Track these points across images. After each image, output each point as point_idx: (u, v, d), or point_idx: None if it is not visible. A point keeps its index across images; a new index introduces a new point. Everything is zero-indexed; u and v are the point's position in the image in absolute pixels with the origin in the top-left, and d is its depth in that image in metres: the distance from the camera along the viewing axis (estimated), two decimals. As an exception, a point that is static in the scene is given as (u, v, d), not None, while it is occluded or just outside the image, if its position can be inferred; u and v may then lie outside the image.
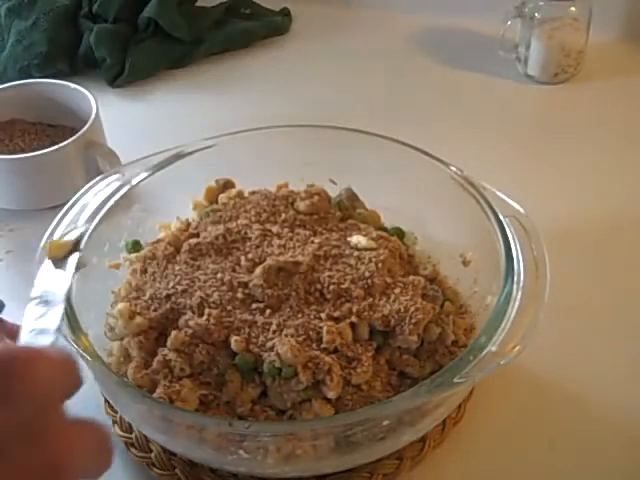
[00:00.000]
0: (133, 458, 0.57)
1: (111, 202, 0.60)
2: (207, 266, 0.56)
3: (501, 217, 0.56)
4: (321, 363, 0.50)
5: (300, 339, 0.51)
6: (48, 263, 0.52)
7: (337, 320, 0.52)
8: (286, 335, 0.51)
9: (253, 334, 0.51)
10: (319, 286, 0.54)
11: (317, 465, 0.52)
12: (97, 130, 0.77)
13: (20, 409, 0.31)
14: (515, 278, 0.52)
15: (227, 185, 0.64)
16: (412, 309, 0.52)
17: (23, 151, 0.78)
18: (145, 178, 0.62)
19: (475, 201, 0.58)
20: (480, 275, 0.59)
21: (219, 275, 0.54)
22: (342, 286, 0.53)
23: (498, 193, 0.58)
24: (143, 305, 0.54)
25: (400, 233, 0.62)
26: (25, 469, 0.31)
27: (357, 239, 0.57)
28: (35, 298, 0.46)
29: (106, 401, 0.59)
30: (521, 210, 0.57)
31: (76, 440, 0.33)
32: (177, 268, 0.56)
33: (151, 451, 0.56)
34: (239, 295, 0.53)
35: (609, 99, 0.90)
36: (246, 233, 0.58)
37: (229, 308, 0.53)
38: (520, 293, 0.51)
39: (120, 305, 0.54)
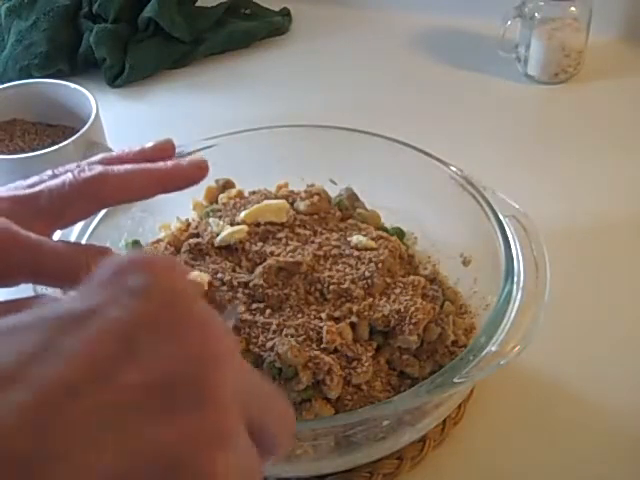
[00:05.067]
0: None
1: (111, 202, 0.60)
2: (207, 266, 0.56)
3: (501, 217, 0.56)
4: (321, 363, 0.50)
5: (300, 339, 0.51)
6: None
7: (337, 320, 0.52)
8: (286, 335, 0.51)
9: (253, 334, 0.51)
10: (319, 286, 0.54)
11: (317, 465, 0.52)
12: (97, 130, 0.77)
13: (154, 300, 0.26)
14: (515, 278, 0.52)
15: (227, 185, 0.64)
16: (412, 309, 0.52)
17: (23, 151, 0.78)
18: (145, 178, 0.62)
19: (475, 201, 0.58)
20: (480, 275, 0.59)
21: (219, 275, 0.54)
22: (342, 286, 0.54)
23: (498, 193, 0.58)
24: (143, 305, 0.54)
25: (400, 233, 0.62)
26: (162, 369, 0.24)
27: (357, 239, 0.57)
28: None
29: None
30: (521, 210, 0.57)
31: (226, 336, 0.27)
32: (177, 268, 0.56)
33: (151, 451, 0.56)
34: (239, 295, 0.53)
35: (609, 99, 0.90)
36: (246, 233, 0.58)
37: (229, 308, 0.53)
38: (520, 293, 0.51)
39: (120, 305, 0.54)
